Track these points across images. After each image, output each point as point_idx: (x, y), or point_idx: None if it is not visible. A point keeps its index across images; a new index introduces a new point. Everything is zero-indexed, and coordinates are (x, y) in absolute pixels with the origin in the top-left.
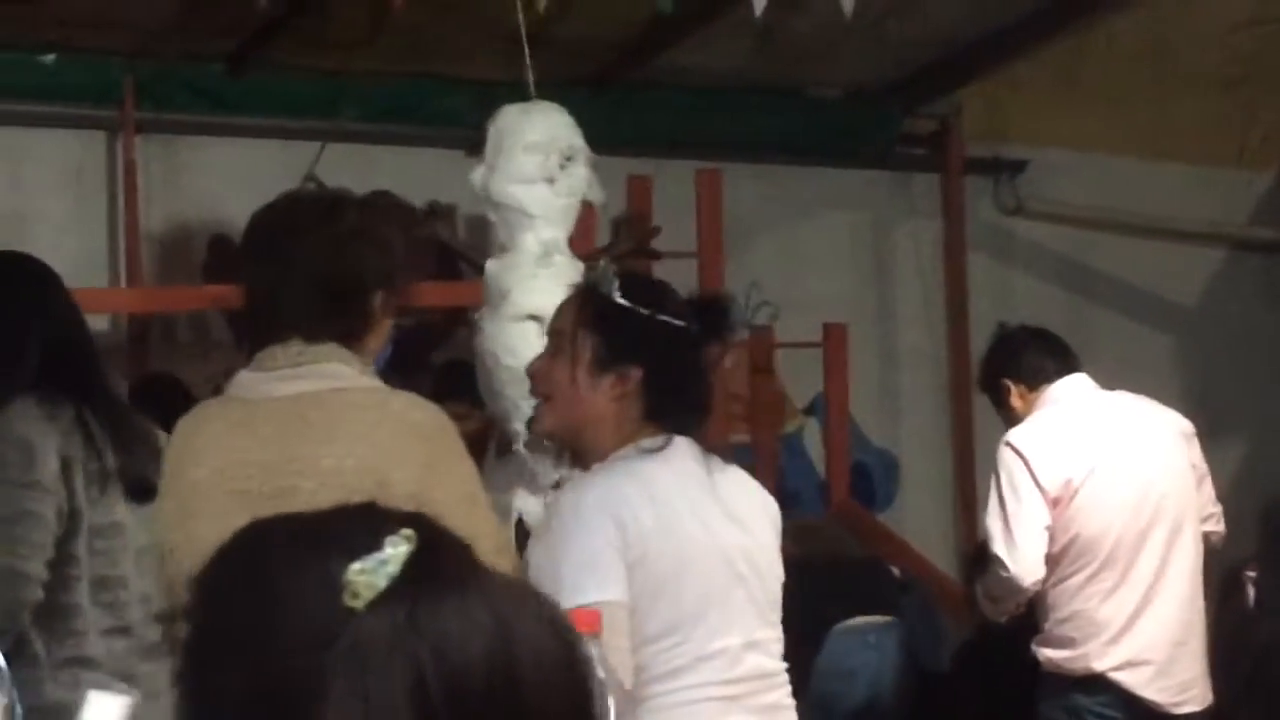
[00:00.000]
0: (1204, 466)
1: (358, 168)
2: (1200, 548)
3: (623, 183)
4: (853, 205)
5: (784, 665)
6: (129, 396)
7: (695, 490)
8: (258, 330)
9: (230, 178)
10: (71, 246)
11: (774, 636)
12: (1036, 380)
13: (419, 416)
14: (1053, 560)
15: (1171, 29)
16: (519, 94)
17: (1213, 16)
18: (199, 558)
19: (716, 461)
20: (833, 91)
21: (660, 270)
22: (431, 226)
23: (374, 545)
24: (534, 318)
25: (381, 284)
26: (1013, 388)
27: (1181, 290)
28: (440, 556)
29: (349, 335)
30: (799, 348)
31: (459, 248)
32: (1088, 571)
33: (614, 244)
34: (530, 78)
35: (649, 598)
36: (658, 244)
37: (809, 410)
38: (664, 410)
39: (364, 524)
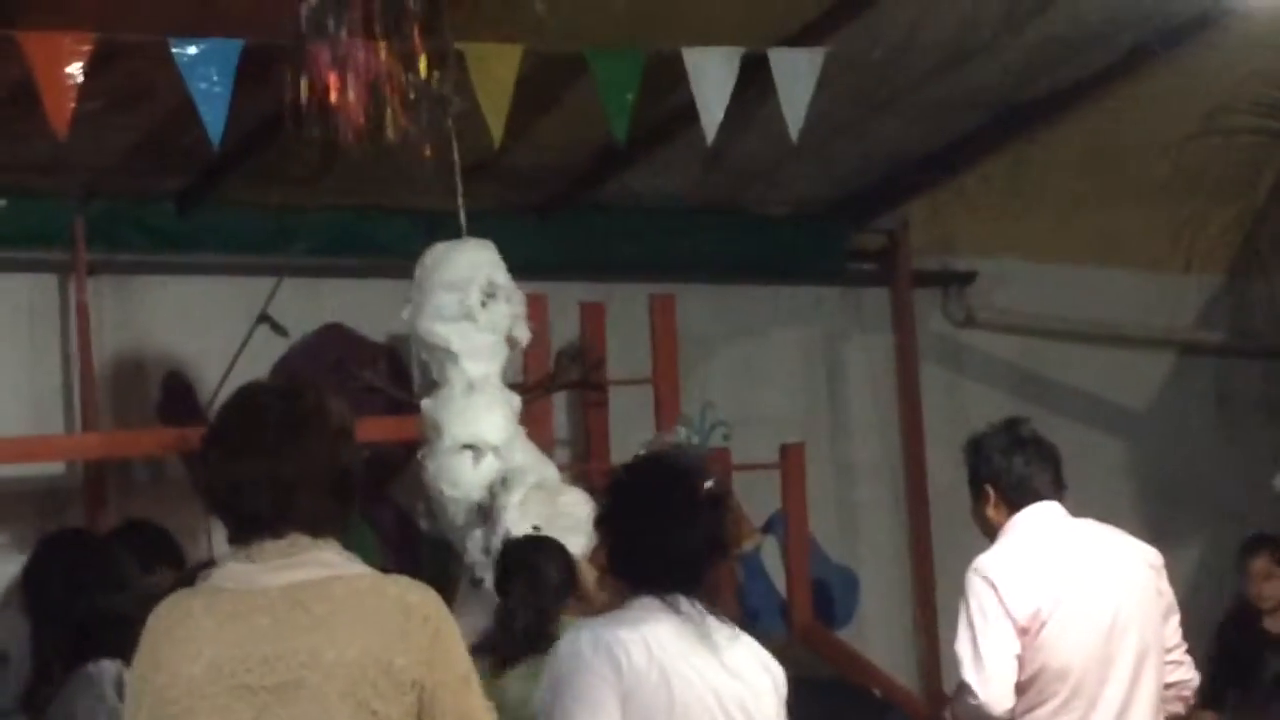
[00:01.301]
0: (1171, 597)
1: (307, 300)
2: (1160, 676)
3: (576, 309)
4: (804, 322)
5: None
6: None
7: (690, 640)
8: (246, 523)
9: (183, 314)
10: (25, 389)
11: None
12: (1019, 495)
13: (415, 599)
14: (1020, 689)
15: (1118, 138)
16: (469, 223)
17: (1159, 127)
18: None
19: (714, 619)
20: (781, 209)
21: (616, 395)
22: (358, 375)
23: None
24: (469, 446)
25: (359, 471)
26: (991, 495)
27: (1132, 394)
28: None
29: (345, 527)
30: (758, 469)
31: (388, 391)
32: (1056, 701)
33: (558, 375)
34: (462, 213)
35: None
36: (612, 370)
37: (766, 528)
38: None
39: None
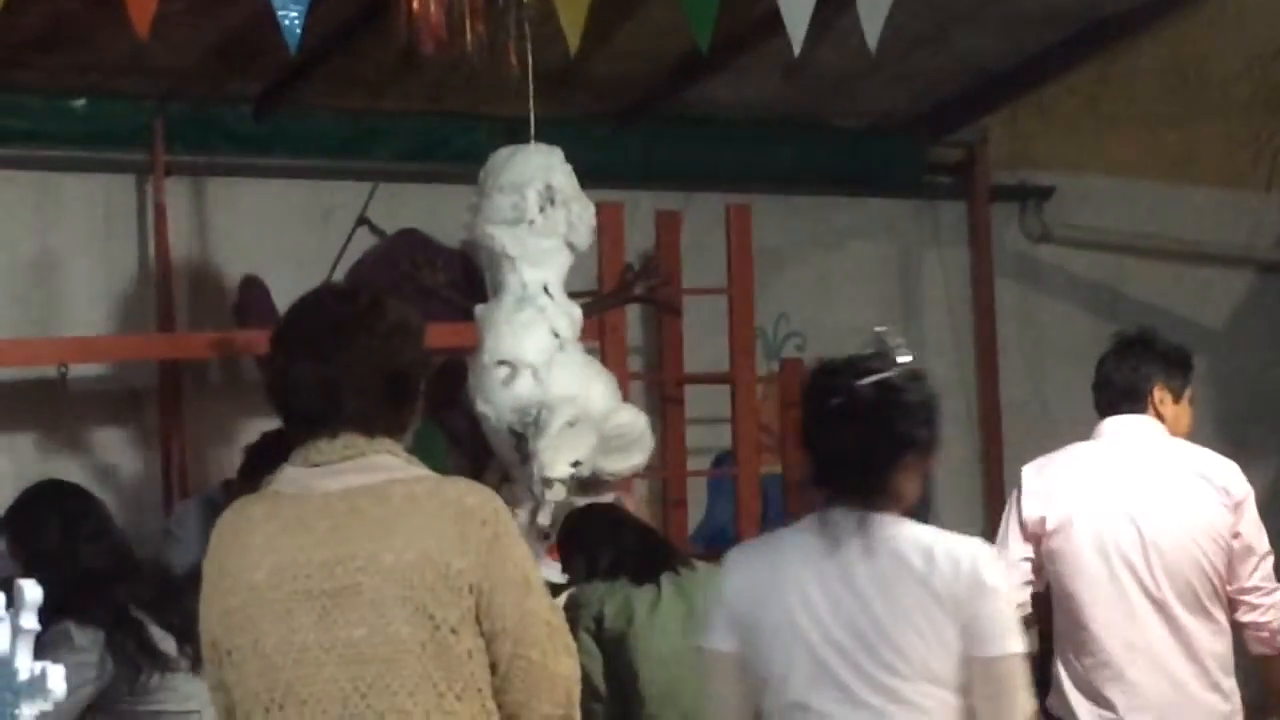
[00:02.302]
0: (1251, 539)
1: (386, 206)
2: (1206, 626)
3: (652, 218)
4: (880, 235)
5: None
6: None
7: (815, 562)
8: (302, 424)
9: (259, 218)
10: (102, 290)
11: (884, 700)
12: (1101, 401)
13: (474, 501)
14: (1055, 618)
15: (1199, 55)
16: (546, 131)
17: (1241, 44)
18: (264, 659)
19: (861, 534)
20: (860, 122)
21: (690, 304)
22: (418, 274)
23: None
24: (504, 363)
25: (423, 372)
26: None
27: (1210, 313)
28: None
29: (401, 427)
30: None
31: (443, 294)
32: (1068, 632)
33: (622, 288)
34: (532, 118)
35: (749, 651)
36: (686, 280)
37: None
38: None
39: None
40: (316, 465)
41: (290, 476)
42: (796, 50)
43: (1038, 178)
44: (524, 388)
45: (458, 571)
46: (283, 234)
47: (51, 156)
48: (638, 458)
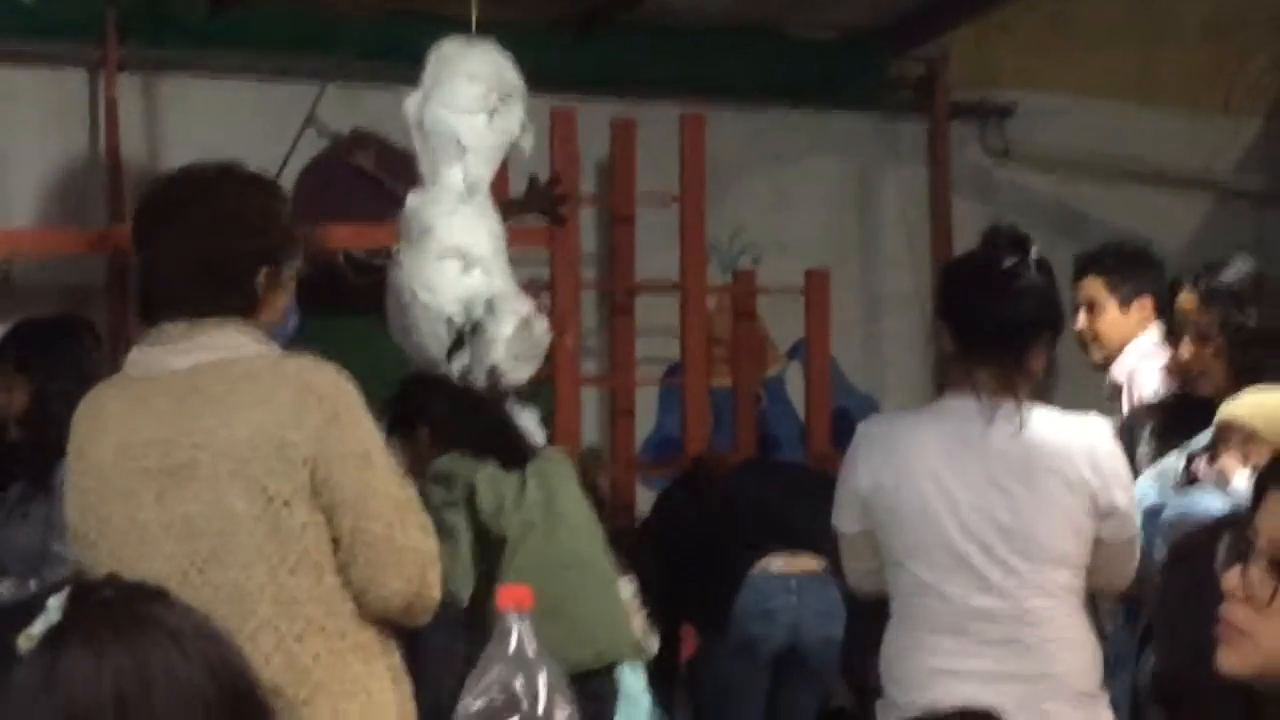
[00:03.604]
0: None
1: (341, 107)
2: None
3: (606, 127)
4: (838, 149)
5: (1031, 605)
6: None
7: (949, 449)
8: (148, 308)
9: (213, 116)
10: (52, 184)
11: (1015, 583)
12: None
13: (314, 378)
14: None
15: None
16: (504, 36)
17: None
18: (113, 539)
19: (996, 422)
20: (820, 34)
21: (642, 213)
22: (352, 154)
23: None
24: (456, 254)
25: (262, 262)
26: None
27: (1169, 236)
28: (88, 610)
29: (237, 312)
30: (781, 294)
31: (378, 175)
32: None
33: (528, 199)
34: (474, 14)
35: (879, 531)
36: (640, 190)
37: (792, 354)
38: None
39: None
40: (162, 345)
41: (137, 357)
42: None
43: (999, 96)
44: (475, 280)
45: (291, 444)
46: (235, 133)
47: (1, 50)
48: (530, 371)
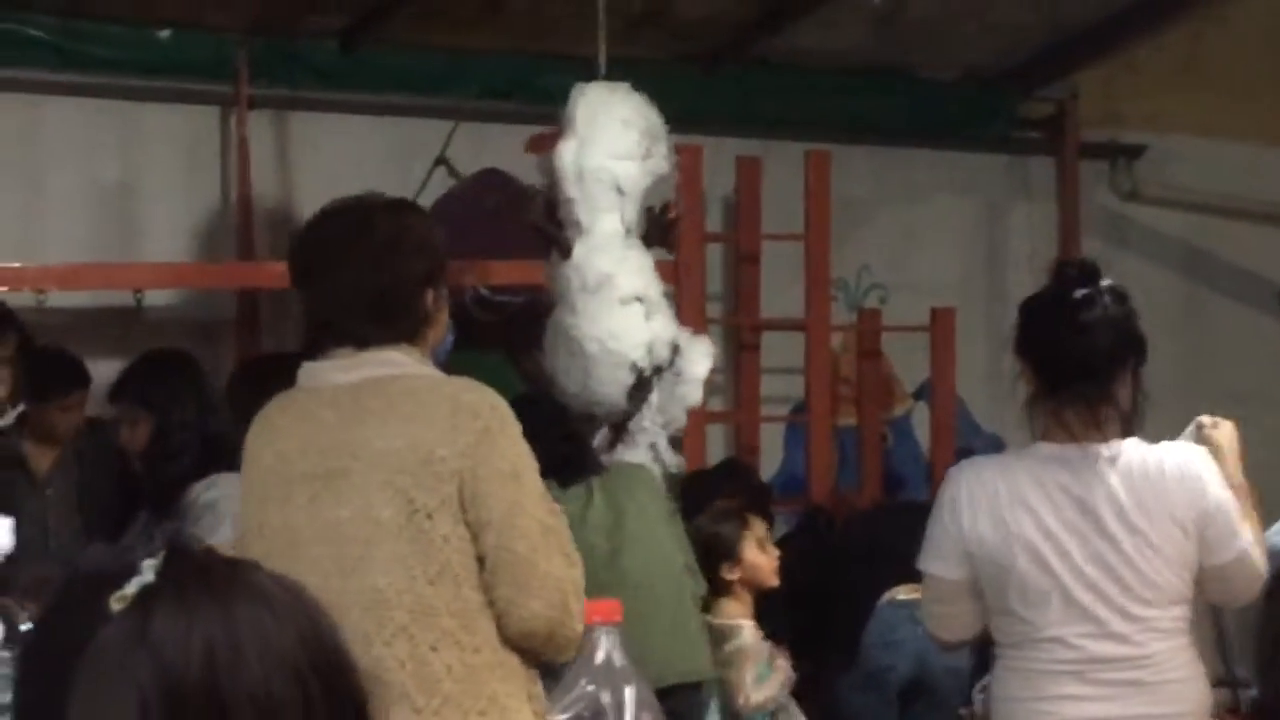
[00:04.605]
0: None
1: (468, 146)
2: None
3: (732, 163)
4: (966, 189)
5: (1140, 648)
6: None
7: (1053, 495)
8: (316, 341)
9: (341, 154)
10: (182, 221)
11: (1134, 628)
12: None
13: (470, 397)
14: None
15: None
16: (631, 73)
17: None
18: (269, 540)
19: (1095, 464)
20: (948, 74)
21: (769, 251)
22: (527, 209)
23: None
24: (638, 299)
25: (428, 284)
26: None
27: None
28: (182, 571)
29: (405, 338)
30: (906, 331)
31: (549, 232)
32: None
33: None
34: (602, 55)
35: (984, 581)
36: (766, 227)
37: (918, 394)
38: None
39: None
40: (331, 361)
41: (309, 371)
42: None
43: (1128, 135)
44: (660, 325)
45: (440, 458)
46: (364, 171)
47: (135, 86)
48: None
